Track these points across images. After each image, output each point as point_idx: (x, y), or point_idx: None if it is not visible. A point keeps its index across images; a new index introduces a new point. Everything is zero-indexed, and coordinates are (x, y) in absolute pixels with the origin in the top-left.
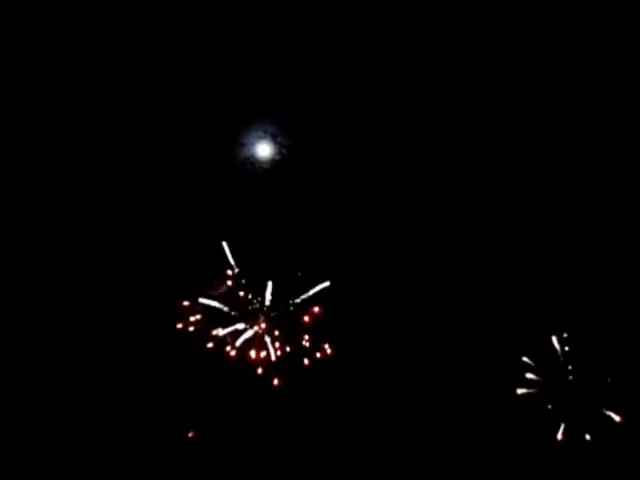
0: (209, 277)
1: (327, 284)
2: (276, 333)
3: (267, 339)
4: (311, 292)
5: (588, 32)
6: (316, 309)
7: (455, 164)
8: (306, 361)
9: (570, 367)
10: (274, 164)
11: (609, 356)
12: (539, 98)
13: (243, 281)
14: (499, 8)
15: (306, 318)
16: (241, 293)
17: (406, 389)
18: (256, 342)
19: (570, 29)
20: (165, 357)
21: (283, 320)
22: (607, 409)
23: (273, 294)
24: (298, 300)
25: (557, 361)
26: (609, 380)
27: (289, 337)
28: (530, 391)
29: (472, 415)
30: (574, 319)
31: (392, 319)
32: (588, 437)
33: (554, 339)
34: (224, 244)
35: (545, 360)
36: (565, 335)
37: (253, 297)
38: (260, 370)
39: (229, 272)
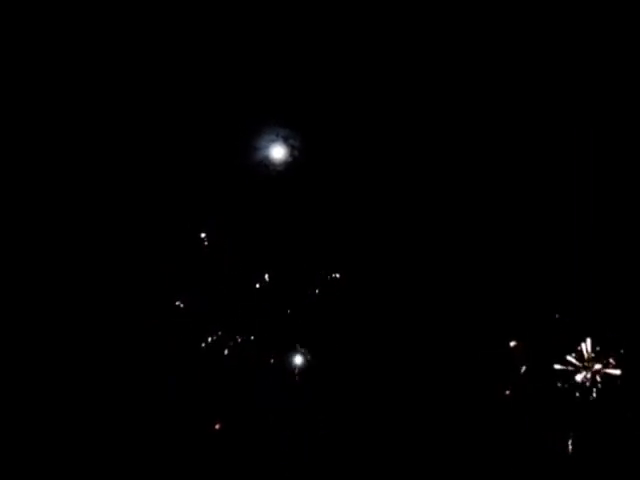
0: (207, 276)
1: (337, 275)
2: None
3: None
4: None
5: (587, 32)
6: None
7: (459, 162)
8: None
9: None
10: (287, 166)
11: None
12: (538, 98)
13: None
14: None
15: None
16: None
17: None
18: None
19: (570, 29)
20: (165, 357)
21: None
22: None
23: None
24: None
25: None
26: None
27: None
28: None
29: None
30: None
31: (392, 317)
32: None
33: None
34: (202, 235)
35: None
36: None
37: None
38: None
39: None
